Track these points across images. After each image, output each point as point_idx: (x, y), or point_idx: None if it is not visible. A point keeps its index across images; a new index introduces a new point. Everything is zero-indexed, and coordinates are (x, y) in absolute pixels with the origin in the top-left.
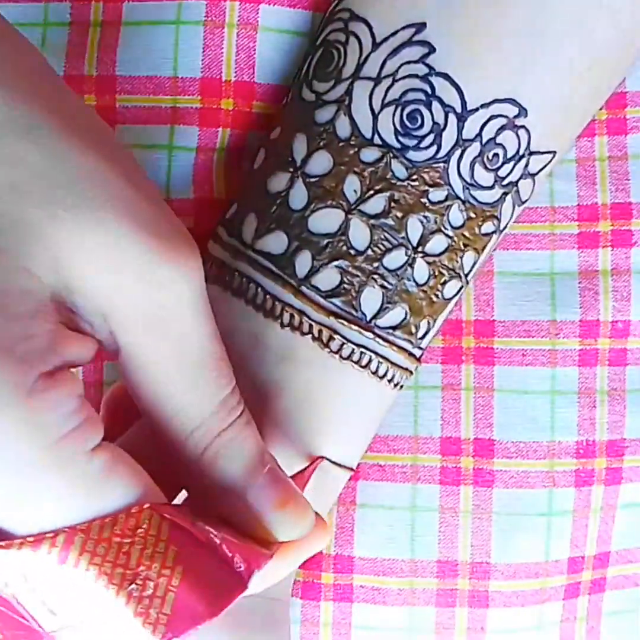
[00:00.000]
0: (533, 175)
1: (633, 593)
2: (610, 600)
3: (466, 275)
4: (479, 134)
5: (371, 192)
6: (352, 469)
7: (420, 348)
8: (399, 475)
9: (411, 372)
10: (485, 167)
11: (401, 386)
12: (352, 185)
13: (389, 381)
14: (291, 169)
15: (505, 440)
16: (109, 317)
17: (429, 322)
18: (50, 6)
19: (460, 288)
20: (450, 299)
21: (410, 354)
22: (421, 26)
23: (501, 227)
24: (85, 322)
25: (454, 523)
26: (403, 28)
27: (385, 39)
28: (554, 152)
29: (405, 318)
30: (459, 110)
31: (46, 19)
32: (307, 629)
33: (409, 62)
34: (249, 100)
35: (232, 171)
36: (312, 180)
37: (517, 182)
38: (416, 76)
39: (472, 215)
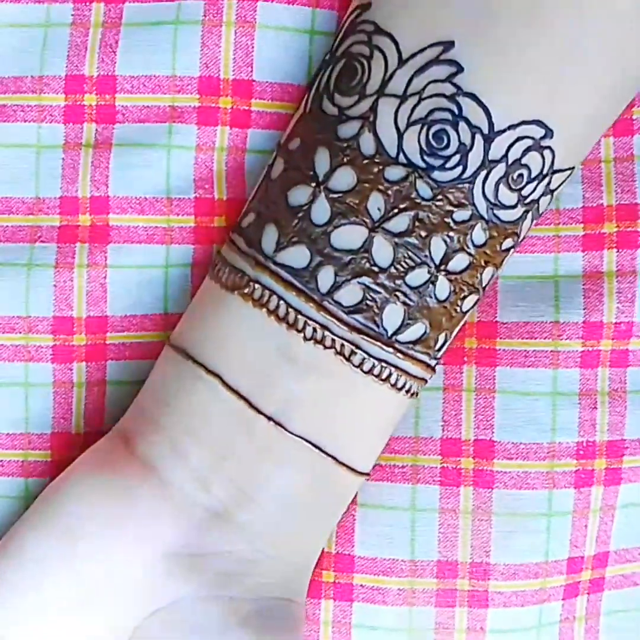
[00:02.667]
0: (552, 191)
1: (632, 593)
2: (609, 599)
3: (484, 288)
4: (505, 155)
5: (395, 210)
6: (368, 475)
7: (436, 359)
8: (399, 476)
9: (426, 381)
10: (510, 188)
11: (417, 394)
12: (376, 203)
13: (407, 392)
14: (313, 184)
15: (505, 442)
16: None
17: (446, 335)
18: (52, 7)
19: (477, 300)
20: (468, 311)
21: (428, 365)
22: (449, 45)
23: (519, 242)
24: None
25: (454, 524)
26: (430, 46)
27: (412, 56)
28: (573, 168)
29: (425, 333)
30: (486, 131)
31: (48, 19)
32: (307, 627)
33: (436, 81)
34: (248, 98)
35: (233, 171)
36: (335, 196)
37: (538, 199)
38: (443, 95)
39: (495, 234)
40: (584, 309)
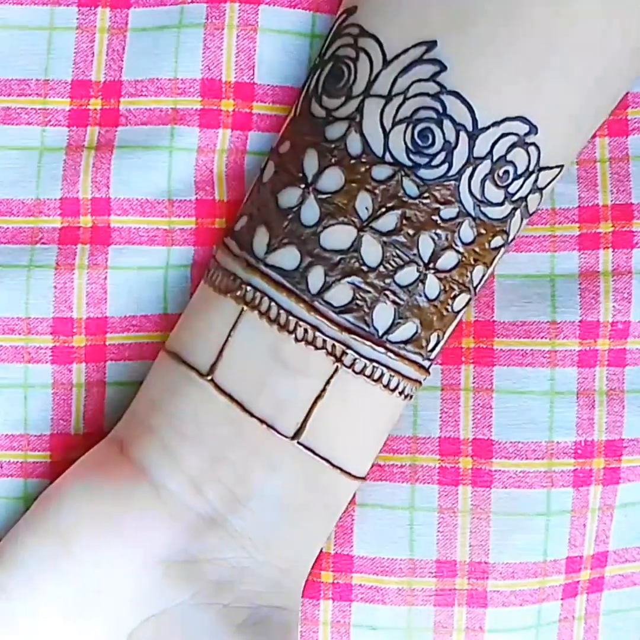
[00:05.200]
0: (541, 189)
1: (631, 592)
2: (608, 599)
3: (475, 288)
4: (490, 152)
5: (383, 209)
6: (363, 479)
7: (429, 359)
8: (397, 475)
9: (420, 383)
10: (496, 184)
11: (411, 397)
12: (364, 203)
13: (400, 393)
14: (302, 185)
15: (503, 441)
16: None
17: (439, 335)
18: (56, 10)
19: (469, 300)
20: (460, 311)
21: (420, 366)
22: (432, 44)
23: (509, 240)
24: None
25: (453, 523)
26: (414, 46)
27: (396, 57)
28: (562, 166)
29: (416, 332)
30: (470, 128)
31: (52, 22)
32: (306, 627)
33: (420, 80)
34: (249, 101)
35: (233, 173)
36: (324, 196)
37: (526, 197)
38: (427, 94)
39: (483, 231)
40: (580, 308)
